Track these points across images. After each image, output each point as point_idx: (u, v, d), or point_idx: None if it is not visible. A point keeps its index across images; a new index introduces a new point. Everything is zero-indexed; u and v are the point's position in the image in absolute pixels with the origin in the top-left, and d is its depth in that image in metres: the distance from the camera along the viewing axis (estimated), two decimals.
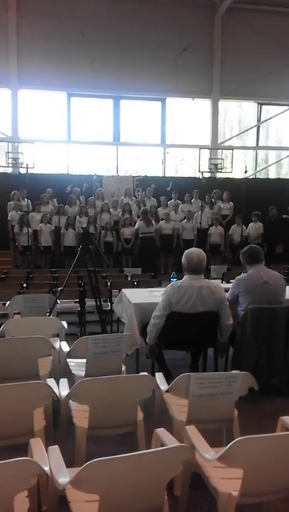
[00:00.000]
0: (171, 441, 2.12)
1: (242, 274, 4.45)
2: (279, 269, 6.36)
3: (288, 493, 2.09)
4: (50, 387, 2.56)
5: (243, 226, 11.30)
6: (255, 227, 11.36)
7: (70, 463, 2.22)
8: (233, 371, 2.87)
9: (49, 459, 2.02)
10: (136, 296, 4.77)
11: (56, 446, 2.14)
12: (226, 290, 4.29)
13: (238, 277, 4.36)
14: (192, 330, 3.89)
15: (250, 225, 11.43)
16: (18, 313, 5.17)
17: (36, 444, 2.18)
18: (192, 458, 2.22)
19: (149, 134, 14.32)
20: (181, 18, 13.17)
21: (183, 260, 3.97)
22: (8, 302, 5.29)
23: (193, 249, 4.03)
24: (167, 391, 2.75)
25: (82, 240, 5.19)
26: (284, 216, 11.75)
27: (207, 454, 2.07)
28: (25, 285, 6.45)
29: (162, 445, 2.13)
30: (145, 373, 2.79)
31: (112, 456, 1.69)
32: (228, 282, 5.77)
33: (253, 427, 2.87)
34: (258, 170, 15.19)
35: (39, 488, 2.33)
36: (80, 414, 2.66)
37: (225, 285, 5.29)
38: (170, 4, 13.08)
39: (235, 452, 1.86)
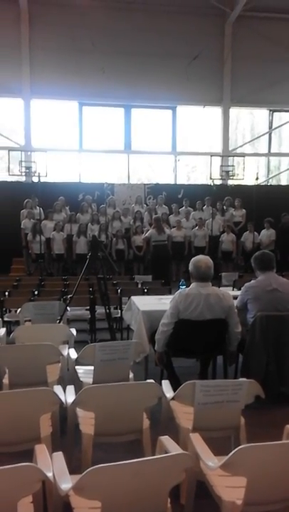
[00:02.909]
0: (174, 449, 2.11)
1: (251, 281, 4.43)
2: None
3: None
4: (55, 393, 2.57)
5: (255, 233, 11.25)
6: (267, 234, 11.29)
7: (76, 469, 2.22)
8: (240, 379, 2.85)
9: (53, 465, 2.02)
10: (145, 303, 4.78)
11: (60, 452, 2.14)
12: (235, 297, 4.28)
13: (246, 284, 4.34)
14: (200, 337, 3.88)
15: (263, 231, 11.37)
16: (29, 321, 5.22)
17: (41, 450, 2.19)
18: (196, 466, 2.21)
19: (160, 142, 14.39)
20: (192, 27, 13.28)
21: (190, 268, 3.97)
22: (19, 309, 5.35)
23: (201, 257, 4.02)
24: (173, 398, 2.74)
25: (92, 247, 5.23)
26: None
27: (210, 462, 2.06)
28: (36, 292, 6.50)
29: (166, 453, 2.13)
30: (151, 381, 2.79)
31: (114, 463, 1.70)
32: (239, 289, 5.74)
33: (261, 436, 2.83)
34: (270, 177, 15.14)
35: (45, 494, 2.34)
36: (86, 421, 2.67)
37: (235, 292, 5.28)
38: (180, 13, 13.19)
39: (238, 460, 1.85)
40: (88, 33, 12.85)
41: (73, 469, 2.11)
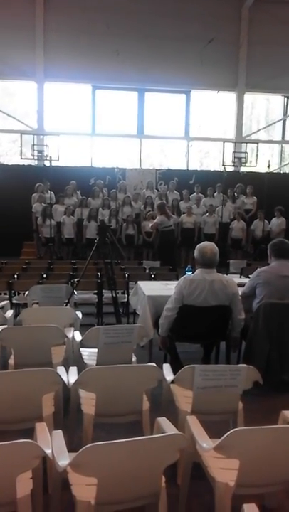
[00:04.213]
0: (170, 430, 2.16)
1: (264, 267, 4.42)
2: None
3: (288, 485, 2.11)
4: (58, 374, 2.63)
5: (266, 221, 11.18)
6: (277, 223, 11.22)
7: (78, 448, 2.29)
8: (239, 365, 2.88)
9: (52, 443, 2.09)
10: (150, 288, 4.82)
11: (60, 430, 2.20)
12: (240, 285, 4.29)
13: (259, 269, 4.34)
14: (204, 323, 3.91)
15: (273, 220, 11.30)
16: (37, 303, 5.29)
17: (41, 428, 2.26)
18: (193, 447, 2.26)
19: (173, 127, 14.30)
20: (207, 10, 13.06)
21: (196, 254, 3.99)
22: (27, 292, 5.42)
23: (207, 243, 4.04)
24: (173, 382, 2.79)
25: (99, 232, 5.26)
26: None
27: (204, 444, 2.10)
28: (45, 276, 6.57)
29: (163, 433, 2.18)
30: (152, 364, 2.84)
31: (109, 441, 1.75)
32: (247, 277, 5.75)
33: (260, 421, 2.87)
34: (283, 164, 14.97)
35: (46, 471, 2.41)
36: (88, 402, 2.73)
37: (242, 280, 5.29)
38: None
39: (230, 443, 1.89)
40: (103, 15, 12.75)
41: (75, 448, 2.16)
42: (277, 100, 14.83)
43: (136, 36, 12.97)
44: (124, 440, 1.77)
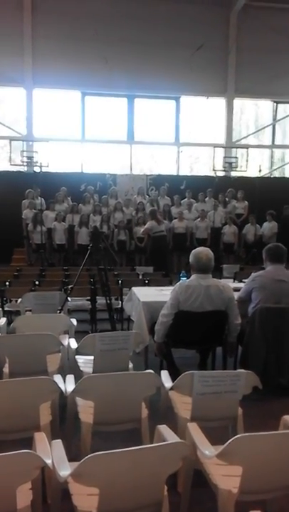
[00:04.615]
0: (172, 438, 2.14)
1: (259, 271, 4.43)
2: None
3: None
4: (55, 382, 2.60)
5: (257, 225, 11.23)
6: (269, 227, 11.28)
7: (76, 457, 2.26)
8: (238, 370, 2.87)
9: (52, 453, 2.05)
10: (145, 294, 4.80)
11: (59, 440, 2.17)
12: (236, 290, 4.29)
13: (254, 273, 4.36)
14: (200, 329, 3.90)
15: (265, 224, 11.35)
16: (30, 311, 5.24)
17: (40, 438, 2.22)
18: (194, 455, 2.24)
19: (163, 133, 14.34)
20: (196, 16, 13.14)
21: (191, 259, 3.99)
22: (20, 299, 5.37)
23: (202, 249, 4.04)
24: (171, 388, 2.77)
25: (92, 238, 5.24)
26: None
27: (207, 451, 2.09)
28: (37, 283, 6.52)
29: (164, 441, 2.15)
30: (150, 371, 2.82)
31: (111, 451, 1.72)
32: (240, 281, 5.75)
33: (259, 426, 2.86)
34: (273, 169, 15.08)
35: (45, 482, 2.38)
36: (86, 410, 2.70)
37: (236, 284, 5.30)
38: (185, 2, 13.06)
39: (233, 449, 1.88)
40: (91, 21, 12.76)
41: (73, 457, 2.13)
42: (266, 105, 14.95)
43: (125, 42, 12.99)
44: (126, 449, 1.74)
